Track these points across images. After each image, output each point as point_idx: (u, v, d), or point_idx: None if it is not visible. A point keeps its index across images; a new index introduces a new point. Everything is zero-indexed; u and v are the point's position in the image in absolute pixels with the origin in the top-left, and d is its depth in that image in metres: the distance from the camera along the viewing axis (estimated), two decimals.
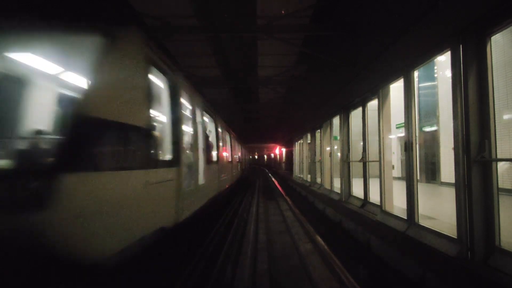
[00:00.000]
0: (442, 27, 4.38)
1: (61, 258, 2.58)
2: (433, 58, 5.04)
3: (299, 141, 20.71)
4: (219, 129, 9.78)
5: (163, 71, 4.38)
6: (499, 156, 3.77)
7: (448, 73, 8.19)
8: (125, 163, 3.20)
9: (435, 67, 12.50)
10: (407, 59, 5.32)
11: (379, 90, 6.49)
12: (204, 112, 7.28)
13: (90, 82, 3.19)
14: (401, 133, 10.84)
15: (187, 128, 6.23)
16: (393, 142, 12.80)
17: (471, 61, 3.82)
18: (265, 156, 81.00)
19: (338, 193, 9.66)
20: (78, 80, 4.76)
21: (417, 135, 5.36)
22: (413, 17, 5.22)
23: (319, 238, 6.82)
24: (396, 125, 11.75)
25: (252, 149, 79.50)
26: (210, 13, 8.36)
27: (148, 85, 3.84)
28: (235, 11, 8.37)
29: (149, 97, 3.80)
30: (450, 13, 4.30)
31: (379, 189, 6.43)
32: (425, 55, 4.89)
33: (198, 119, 6.58)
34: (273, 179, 30.63)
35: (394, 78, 5.95)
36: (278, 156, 51.26)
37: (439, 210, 6.65)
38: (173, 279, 4.54)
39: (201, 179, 6.42)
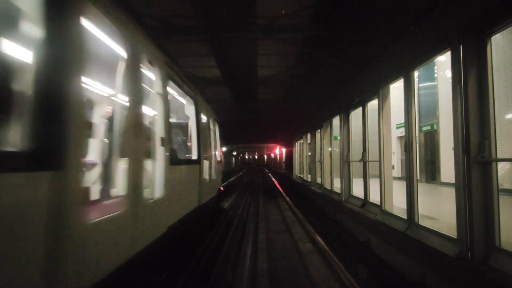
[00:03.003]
0: (442, 27, 4.38)
1: None
2: (433, 58, 5.04)
3: (299, 141, 20.71)
4: (201, 115, 6.93)
5: None
6: (499, 156, 3.77)
7: (448, 73, 8.20)
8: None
9: (435, 67, 12.51)
10: (407, 59, 5.32)
11: (379, 90, 6.49)
12: (170, 82, 4.51)
13: None
14: (401, 133, 10.85)
15: (120, 100, 3.90)
16: (393, 142, 12.81)
17: (471, 61, 3.82)
18: (265, 156, 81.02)
19: (338, 193, 9.66)
20: None
21: (417, 135, 5.36)
22: (413, 17, 5.22)
23: (319, 238, 6.82)
24: (396, 125, 11.75)
25: (252, 149, 79.60)
26: (210, 13, 8.36)
27: None
28: (235, 11, 8.37)
29: None
30: (450, 13, 4.29)
31: (379, 189, 6.43)
32: (425, 55, 4.89)
33: (157, 89, 4.06)
34: (273, 179, 30.64)
35: (394, 78, 5.95)
36: (278, 156, 51.26)
37: (439, 210, 6.65)
38: None
39: (158, 190, 3.83)
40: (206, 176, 7.24)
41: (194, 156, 6.27)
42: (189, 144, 6.67)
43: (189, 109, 6.41)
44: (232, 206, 12.57)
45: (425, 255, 4.47)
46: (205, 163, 7.14)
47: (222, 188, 10.83)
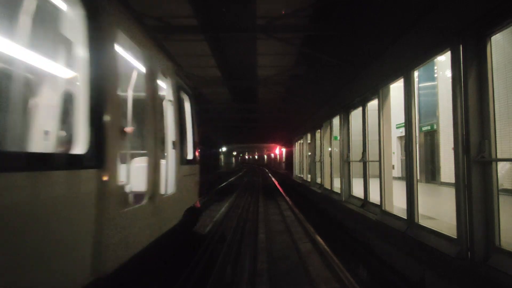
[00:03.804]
0: (442, 27, 4.38)
1: None
2: (433, 58, 5.04)
3: (299, 141, 20.72)
4: (117, 57, 2.96)
5: None
6: (499, 156, 3.77)
7: (448, 72, 8.21)
8: None
9: (435, 67, 12.51)
10: (407, 59, 5.32)
11: (379, 90, 6.49)
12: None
13: None
14: (401, 133, 10.85)
15: None
16: (393, 142, 12.82)
17: (471, 61, 3.82)
18: (265, 156, 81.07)
19: (338, 193, 9.66)
20: None
21: (417, 135, 5.36)
22: (413, 17, 5.22)
23: (318, 238, 6.82)
24: (396, 125, 11.76)
25: (252, 149, 79.63)
26: (210, 13, 8.36)
27: None
28: (235, 11, 8.37)
29: None
30: (450, 13, 4.29)
31: (379, 189, 6.43)
32: (425, 55, 4.89)
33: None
34: (273, 179, 30.66)
35: (394, 78, 5.95)
36: (278, 156, 51.29)
37: (439, 210, 6.65)
38: None
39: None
40: (146, 190, 3.45)
41: (79, 148, 2.28)
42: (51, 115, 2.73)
43: (74, 34, 2.42)
44: (231, 207, 12.56)
45: (425, 255, 4.47)
46: (136, 166, 3.79)
47: (198, 205, 6.29)
